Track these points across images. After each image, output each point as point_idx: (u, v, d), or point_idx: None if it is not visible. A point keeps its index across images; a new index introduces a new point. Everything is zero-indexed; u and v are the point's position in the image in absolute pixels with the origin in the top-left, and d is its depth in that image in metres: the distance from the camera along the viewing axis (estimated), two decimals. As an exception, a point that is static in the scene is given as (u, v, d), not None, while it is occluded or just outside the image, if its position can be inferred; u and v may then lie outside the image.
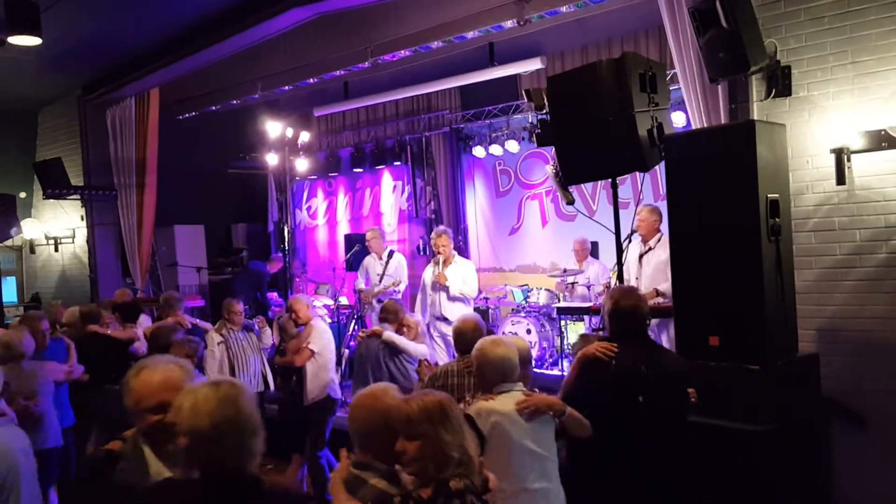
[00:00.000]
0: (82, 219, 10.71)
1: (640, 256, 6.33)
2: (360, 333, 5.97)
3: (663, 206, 4.40)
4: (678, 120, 6.88)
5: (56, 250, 11.11)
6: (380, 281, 8.17)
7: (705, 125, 5.02)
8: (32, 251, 11.62)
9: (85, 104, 10.54)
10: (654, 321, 5.95)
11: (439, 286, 7.10)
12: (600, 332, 6.12)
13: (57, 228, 11.06)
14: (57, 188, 10.05)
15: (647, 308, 3.51)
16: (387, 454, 2.34)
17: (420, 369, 4.15)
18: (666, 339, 6.10)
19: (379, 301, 8.25)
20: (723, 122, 4.92)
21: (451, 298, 7.08)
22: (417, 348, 5.46)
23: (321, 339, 5.96)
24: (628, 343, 3.35)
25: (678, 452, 3.30)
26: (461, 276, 7.13)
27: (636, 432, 3.21)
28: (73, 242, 10.93)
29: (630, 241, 5.88)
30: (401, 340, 5.43)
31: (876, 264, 4.34)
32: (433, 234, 7.45)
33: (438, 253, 7.22)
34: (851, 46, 4.36)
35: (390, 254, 8.32)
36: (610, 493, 3.31)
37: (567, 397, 3.28)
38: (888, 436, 4.30)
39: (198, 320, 7.28)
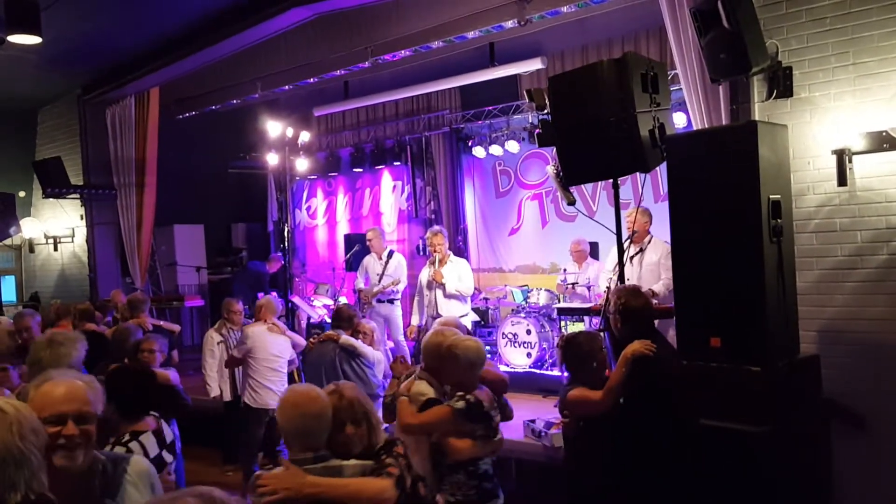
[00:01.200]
0: (82, 218, 10.71)
1: (631, 258, 6.36)
2: (312, 339, 5.85)
3: (664, 208, 4.39)
4: (679, 121, 6.88)
5: (55, 249, 11.10)
6: (379, 281, 8.16)
7: (706, 126, 5.01)
8: (32, 250, 11.62)
9: (85, 103, 10.54)
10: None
11: (435, 284, 7.12)
12: (602, 333, 6.13)
13: (56, 227, 11.06)
14: (56, 187, 10.05)
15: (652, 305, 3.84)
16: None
17: (395, 365, 4.18)
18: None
19: (378, 301, 8.25)
20: (724, 122, 4.92)
21: (448, 296, 7.10)
22: (375, 353, 5.45)
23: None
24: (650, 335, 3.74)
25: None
26: (457, 274, 7.17)
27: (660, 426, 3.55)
28: (72, 242, 10.92)
29: (630, 242, 5.89)
30: (359, 344, 5.39)
31: (877, 265, 4.34)
32: (428, 234, 7.47)
33: (434, 252, 7.25)
34: (853, 47, 4.35)
35: (390, 254, 8.32)
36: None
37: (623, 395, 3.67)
38: (889, 437, 4.30)
39: (163, 322, 7.26)
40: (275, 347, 6.09)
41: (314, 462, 2.40)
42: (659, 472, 3.64)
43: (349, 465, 2.45)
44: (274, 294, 10.56)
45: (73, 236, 10.89)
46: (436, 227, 7.61)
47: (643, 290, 6.08)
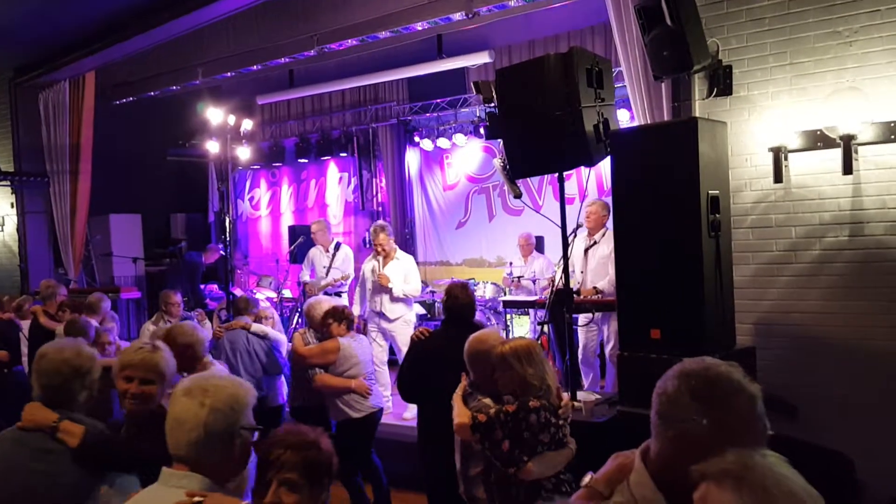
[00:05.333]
0: (12, 206, 10.27)
1: (586, 251, 6.41)
2: (219, 327, 5.96)
3: (608, 203, 4.45)
4: (622, 117, 6.97)
5: (-17, 238, 10.63)
6: (326, 273, 8.05)
7: (649, 122, 5.09)
8: (-42, 239, 11.10)
9: (16, 87, 10.10)
10: (597, 314, 6.06)
11: (381, 287, 6.79)
12: (546, 325, 6.19)
13: (-16, 216, 10.59)
14: (-15, 174, 9.62)
15: (473, 300, 4.39)
16: (489, 381, 3.28)
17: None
18: (608, 331, 6.20)
19: (326, 294, 8.13)
20: (666, 119, 5.00)
21: (394, 300, 6.80)
22: (280, 336, 5.93)
23: None
24: (455, 327, 4.18)
25: None
26: (403, 273, 6.83)
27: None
28: (2, 231, 10.47)
29: (576, 236, 5.94)
30: (268, 329, 5.87)
31: (810, 260, 4.48)
32: (372, 229, 7.06)
33: (379, 250, 6.89)
34: (790, 48, 4.47)
35: (337, 246, 8.21)
36: None
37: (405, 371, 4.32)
38: (821, 426, 4.44)
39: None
40: None
41: (473, 387, 3.43)
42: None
43: (480, 399, 3.26)
44: (214, 287, 10.39)
45: (2, 225, 10.43)
46: (380, 223, 7.29)
47: (590, 286, 6.21)
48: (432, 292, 8.91)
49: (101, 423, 2.62)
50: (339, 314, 5.06)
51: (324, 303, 5.41)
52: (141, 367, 2.69)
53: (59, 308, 6.65)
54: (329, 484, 1.98)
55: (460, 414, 3.27)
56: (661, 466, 1.61)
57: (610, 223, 6.46)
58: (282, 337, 5.95)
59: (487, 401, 3.23)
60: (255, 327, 5.80)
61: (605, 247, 6.34)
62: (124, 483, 2.52)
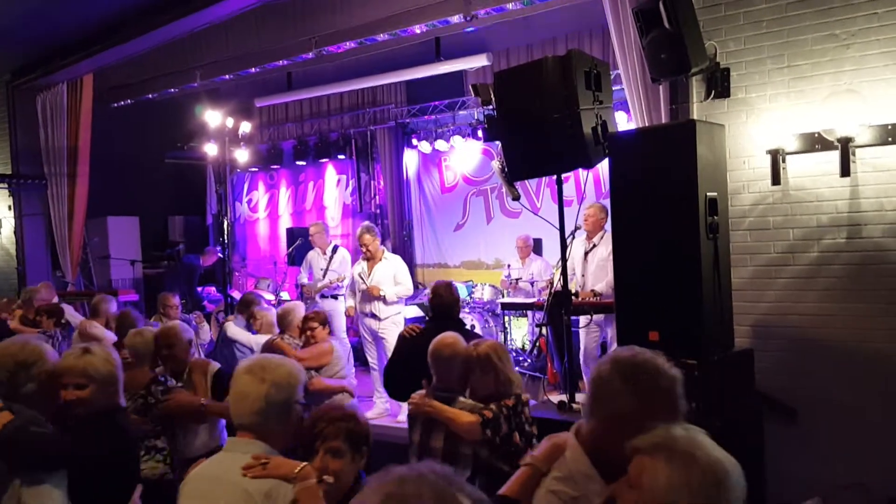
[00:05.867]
0: (10, 208, 10.25)
1: (586, 254, 6.43)
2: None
3: (606, 205, 4.46)
4: (620, 119, 6.98)
5: (-19, 241, 10.60)
6: (324, 276, 8.05)
7: (647, 125, 5.10)
8: (-45, 242, 11.07)
9: (13, 89, 10.08)
10: (599, 316, 6.07)
11: (372, 297, 6.72)
12: (544, 328, 6.19)
13: (-18, 218, 10.56)
14: (-18, 176, 9.60)
15: (457, 297, 4.64)
16: (459, 383, 3.39)
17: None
18: (611, 333, 6.21)
19: (322, 296, 8.13)
20: (664, 121, 5.01)
21: (388, 303, 6.75)
22: (253, 339, 5.77)
23: None
24: (443, 322, 4.38)
25: None
26: (391, 274, 6.78)
27: None
28: (-1, 233, 10.46)
29: (574, 238, 5.95)
30: (239, 333, 5.89)
31: (808, 262, 4.49)
32: (358, 231, 6.97)
33: (365, 251, 6.83)
34: (788, 51, 4.48)
35: (335, 248, 8.20)
36: None
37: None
38: (819, 428, 4.45)
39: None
40: None
41: (441, 391, 3.37)
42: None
43: (462, 401, 3.30)
44: (212, 289, 10.38)
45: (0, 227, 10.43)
46: (365, 223, 7.18)
47: (590, 288, 6.22)
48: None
49: (42, 417, 2.63)
50: (321, 318, 5.18)
51: (298, 308, 5.51)
52: (71, 372, 2.70)
53: (36, 313, 6.66)
54: (367, 452, 2.31)
55: (460, 415, 3.23)
56: (595, 444, 1.82)
57: (608, 225, 6.48)
58: (257, 339, 5.69)
59: (469, 402, 3.30)
60: (232, 332, 5.86)
61: (604, 249, 6.35)
62: (46, 485, 2.51)
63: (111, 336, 5.54)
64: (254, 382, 2.20)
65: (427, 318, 4.79)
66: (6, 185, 10.02)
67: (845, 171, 4.25)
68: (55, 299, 7.64)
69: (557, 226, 4.74)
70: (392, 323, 6.81)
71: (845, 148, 4.24)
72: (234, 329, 5.91)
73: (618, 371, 1.81)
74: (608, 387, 1.80)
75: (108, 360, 2.78)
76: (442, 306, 4.58)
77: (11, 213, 10.23)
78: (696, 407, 3.85)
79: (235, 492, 2.06)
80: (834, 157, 4.30)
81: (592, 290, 6.25)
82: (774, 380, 4.55)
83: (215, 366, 4.16)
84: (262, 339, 5.63)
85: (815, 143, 4.39)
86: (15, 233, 10.21)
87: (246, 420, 2.20)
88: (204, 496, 2.15)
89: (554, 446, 1.89)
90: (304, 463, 2.10)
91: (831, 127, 4.32)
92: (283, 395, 2.21)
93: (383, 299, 6.71)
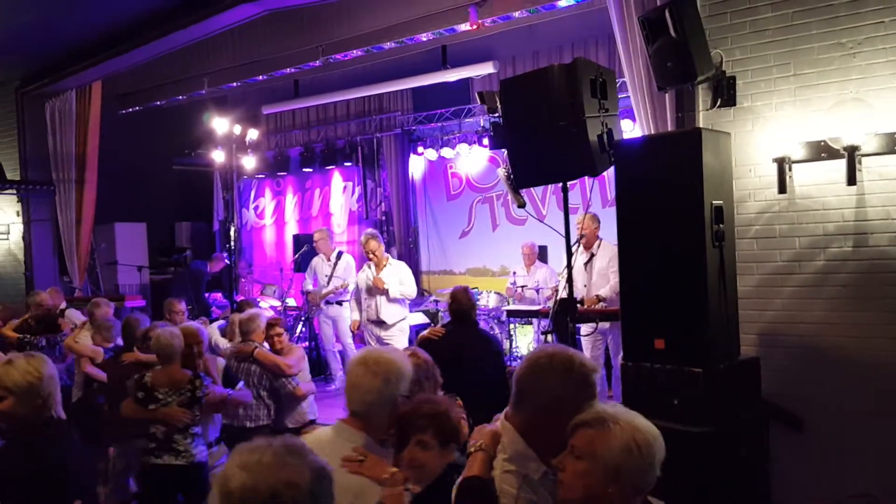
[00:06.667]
0: (18, 214, 10.31)
1: (585, 264, 6.46)
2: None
3: (612, 213, 4.46)
4: (625, 127, 6.99)
5: (-11, 246, 10.67)
6: (328, 282, 8.08)
7: (653, 132, 5.10)
8: (-36, 247, 11.13)
9: (23, 96, 10.16)
10: (606, 324, 6.07)
11: (377, 290, 6.84)
12: (549, 335, 6.19)
13: (-10, 224, 10.63)
14: (-9, 182, 9.66)
15: (475, 302, 4.84)
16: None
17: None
18: (613, 340, 6.21)
19: (327, 303, 8.15)
20: (670, 129, 5.01)
21: (391, 300, 6.87)
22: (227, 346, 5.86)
23: None
24: (462, 325, 4.67)
25: None
26: (397, 277, 6.89)
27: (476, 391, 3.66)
28: (7, 239, 10.50)
29: (579, 246, 5.97)
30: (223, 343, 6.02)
31: (814, 271, 4.47)
32: (363, 238, 7.09)
33: (370, 257, 6.94)
34: (794, 59, 4.48)
35: (339, 255, 8.23)
36: None
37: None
38: (825, 437, 4.43)
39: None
40: None
41: None
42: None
43: None
44: (219, 295, 10.40)
45: (8, 233, 10.47)
46: (370, 231, 7.30)
47: (590, 298, 6.23)
48: (436, 301, 8.91)
49: None
50: (282, 323, 5.48)
51: (260, 315, 5.55)
52: None
53: (32, 320, 6.73)
54: (455, 448, 2.39)
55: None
56: (527, 429, 2.07)
57: (601, 233, 6.53)
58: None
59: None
60: (215, 336, 6.06)
61: (603, 258, 6.39)
62: None
63: (96, 349, 5.59)
64: (367, 375, 2.36)
65: (448, 321, 5.00)
66: (15, 191, 10.09)
67: (852, 179, 4.24)
68: (63, 304, 7.68)
69: (563, 233, 4.74)
70: (398, 330, 6.83)
71: (851, 156, 4.23)
72: (218, 336, 6.13)
73: (551, 365, 2.07)
74: (545, 378, 2.06)
75: (29, 371, 2.69)
76: (460, 311, 4.75)
77: (20, 219, 10.29)
78: (680, 405, 3.90)
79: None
80: (840, 165, 4.29)
81: (597, 296, 6.26)
82: (780, 389, 4.53)
83: (222, 362, 4.85)
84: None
85: (821, 151, 4.38)
86: (23, 238, 10.27)
87: (356, 408, 2.38)
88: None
89: (491, 434, 2.11)
90: (395, 469, 2.25)
91: (837, 135, 4.31)
92: (391, 388, 2.37)
93: (386, 293, 6.80)
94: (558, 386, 2.03)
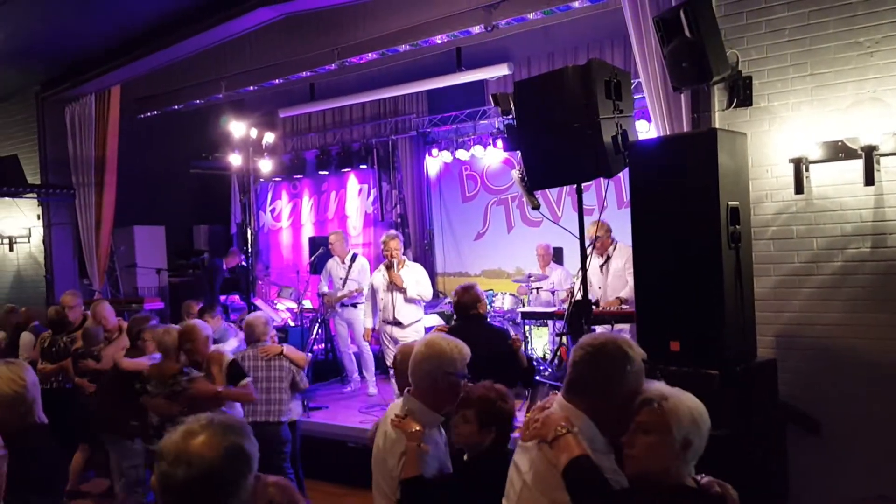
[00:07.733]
0: (38, 218, 10.44)
1: (601, 266, 6.45)
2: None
3: (627, 214, 4.45)
4: (641, 128, 6.96)
5: (11, 250, 10.80)
6: (343, 285, 8.11)
7: (668, 133, 5.08)
8: (-15, 251, 11.29)
9: (43, 101, 10.28)
10: (625, 325, 6.06)
11: (394, 287, 6.90)
12: (565, 337, 6.18)
13: (12, 227, 10.76)
14: (12, 186, 9.78)
15: (479, 298, 4.86)
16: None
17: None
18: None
19: (342, 305, 8.19)
20: (685, 130, 4.99)
21: (407, 300, 6.92)
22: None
23: None
24: (467, 321, 4.76)
25: None
26: (414, 278, 6.97)
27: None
28: (28, 242, 10.65)
29: (593, 248, 5.97)
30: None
31: (832, 272, 4.44)
32: (384, 237, 7.17)
33: (390, 256, 6.99)
34: (811, 59, 4.45)
35: (353, 257, 8.26)
36: None
37: None
38: (842, 440, 4.39)
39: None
40: None
41: None
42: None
43: None
44: (236, 297, 10.47)
45: (29, 237, 10.61)
46: (391, 232, 7.38)
47: (610, 299, 6.21)
48: (451, 303, 8.90)
49: None
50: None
51: (263, 319, 5.78)
52: None
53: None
54: (497, 429, 2.81)
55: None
56: (589, 412, 2.18)
57: (616, 236, 6.52)
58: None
59: None
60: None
61: (619, 260, 6.38)
62: None
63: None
64: (421, 355, 2.85)
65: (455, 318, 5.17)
66: (35, 195, 10.21)
67: (869, 179, 4.20)
68: (81, 307, 7.76)
69: (578, 235, 4.74)
70: (414, 331, 6.86)
71: (869, 156, 4.19)
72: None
73: (611, 352, 2.20)
74: (614, 366, 2.17)
75: (13, 380, 2.71)
76: (462, 307, 4.86)
77: (40, 223, 10.42)
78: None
79: (386, 428, 2.86)
80: (858, 165, 4.26)
81: (618, 298, 6.24)
82: (798, 391, 4.50)
83: (229, 357, 4.92)
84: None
85: (838, 151, 4.35)
86: (43, 241, 10.40)
87: (412, 380, 2.87)
88: (384, 421, 2.93)
89: (564, 417, 2.19)
90: (419, 427, 2.72)
91: (855, 135, 4.28)
92: (441, 367, 2.80)
93: (404, 292, 6.85)
94: (616, 372, 2.16)
